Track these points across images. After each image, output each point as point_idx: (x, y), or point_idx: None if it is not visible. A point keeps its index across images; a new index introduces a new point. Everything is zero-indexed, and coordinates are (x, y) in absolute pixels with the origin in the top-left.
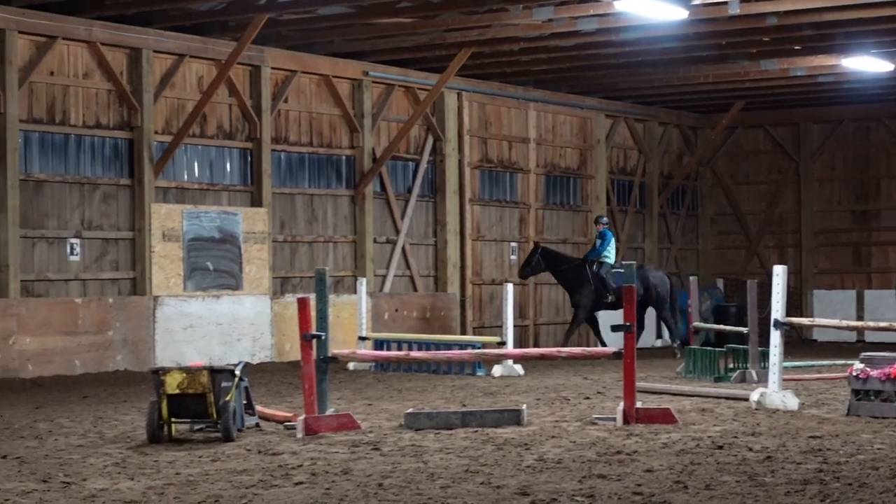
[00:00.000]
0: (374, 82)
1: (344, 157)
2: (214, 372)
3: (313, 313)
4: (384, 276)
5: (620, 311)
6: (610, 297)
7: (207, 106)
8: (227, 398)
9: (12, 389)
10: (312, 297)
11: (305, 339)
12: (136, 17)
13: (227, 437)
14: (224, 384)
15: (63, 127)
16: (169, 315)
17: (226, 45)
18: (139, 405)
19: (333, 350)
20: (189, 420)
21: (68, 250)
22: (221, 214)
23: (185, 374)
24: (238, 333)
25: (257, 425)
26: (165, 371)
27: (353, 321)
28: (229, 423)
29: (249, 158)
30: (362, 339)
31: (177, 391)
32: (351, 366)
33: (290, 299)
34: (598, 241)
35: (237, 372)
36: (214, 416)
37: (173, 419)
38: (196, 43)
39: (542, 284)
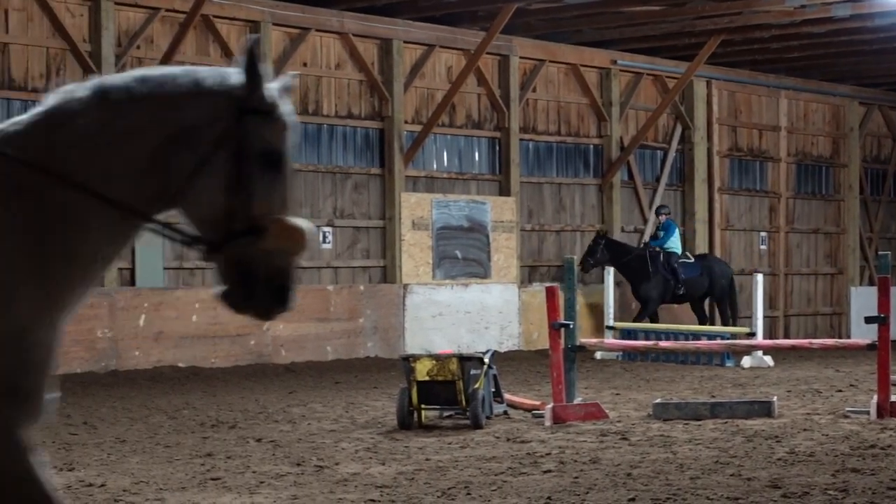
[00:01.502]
0: (621, 71)
1: (591, 146)
2: (463, 359)
3: (561, 302)
4: None
5: (685, 305)
6: (681, 289)
7: (456, 96)
8: (476, 386)
9: (266, 374)
10: (560, 286)
11: (553, 327)
12: (386, 8)
13: (476, 425)
14: (473, 372)
15: (316, 117)
16: (418, 303)
17: (474, 35)
18: (389, 391)
19: (581, 339)
20: (438, 407)
21: (321, 238)
22: (470, 203)
23: (434, 362)
24: (486, 322)
25: (505, 413)
26: (415, 358)
27: (600, 310)
28: (478, 410)
29: (498, 148)
30: (609, 328)
31: (426, 378)
32: (598, 355)
33: (538, 288)
34: (662, 233)
35: (486, 360)
36: (463, 403)
37: (423, 406)
38: (445, 33)
39: (793, 275)
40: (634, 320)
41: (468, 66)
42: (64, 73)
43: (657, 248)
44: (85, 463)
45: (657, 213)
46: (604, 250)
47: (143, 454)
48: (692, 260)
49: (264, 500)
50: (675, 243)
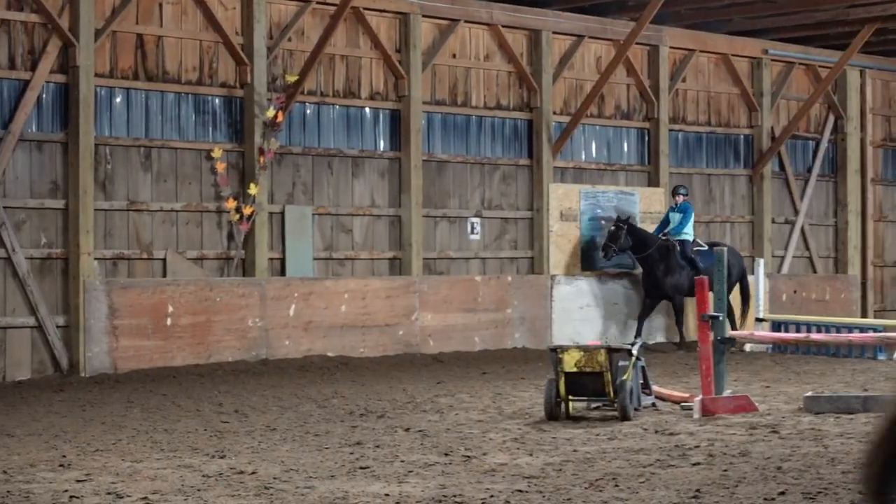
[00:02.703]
0: (773, 60)
1: (742, 137)
2: (612, 351)
3: (711, 294)
4: (782, 257)
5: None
6: None
7: (605, 86)
8: (624, 377)
9: (414, 364)
10: (708, 278)
11: (703, 319)
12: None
13: (624, 416)
14: (621, 363)
15: (464, 108)
16: (565, 294)
17: (624, 26)
18: (536, 382)
19: (730, 331)
20: (586, 398)
21: (469, 229)
22: (619, 194)
23: (582, 353)
24: (634, 313)
25: (654, 405)
26: (563, 349)
27: (750, 302)
28: (626, 401)
29: (647, 138)
30: (759, 320)
31: (574, 369)
32: (748, 347)
33: None
34: (679, 216)
35: (634, 351)
36: (611, 394)
37: (570, 397)
38: (594, 24)
39: None
40: (678, 322)
41: (617, 56)
42: (216, 66)
43: (674, 238)
44: (236, 451)
45: (674, 194)
46: (627, 236)
47: (293, 442)
48: (706, 247)
49: (412, 489)
50: (690, 230)
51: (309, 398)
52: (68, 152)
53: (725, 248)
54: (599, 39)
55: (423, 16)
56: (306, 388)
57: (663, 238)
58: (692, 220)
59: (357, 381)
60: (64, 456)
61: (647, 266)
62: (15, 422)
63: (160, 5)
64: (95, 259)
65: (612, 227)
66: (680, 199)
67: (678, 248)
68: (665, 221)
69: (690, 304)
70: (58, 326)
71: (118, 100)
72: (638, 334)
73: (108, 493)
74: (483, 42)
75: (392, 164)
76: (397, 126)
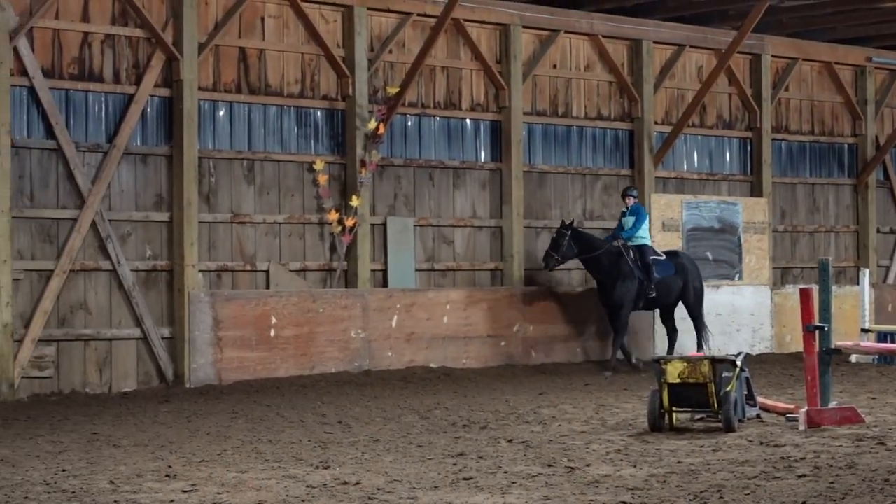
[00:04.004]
0: (877, 68)
1: (846, 146)
2: (715, 362)
3: (816, 304)
4: (888, 267)
5: (651, 312)
6: (651, 292)
7: (707, 95)
8: (728, 388)
9: (516, 375)
10: (815, 288)
11: (808, 330)
12: (635, 9)
13: (728, 428)
14: (725, 374)
15: (565, 119)
16: None
17: (725, 35)
18: (639, 394)
19: (836, 342)
20: (689, 409)
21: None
22: (721, 204)
23: (686, 364)
24: (737, 324)
25: (758, 416)
26: (667, 360)
27: (855, 312)
28: (730, 413)
29: (749, 148)
30: (865, 331)
31: (678, 380)
32: (853, 358)
33: (791, 290)
34: (632, 219)
35: (738, 362)
36: (715, 405)
37: (674, 408)
38: (696, 33)
39: None
40: (615, 338)
41: (719, 65)
42: (318, 79)
43: (626, 241)
44: (340, 461)
45: (623, 196)
46: (570, 243)
47: (396, 453)
48: (663, 257)
49: (516, 501)
50: (646, 233)
51: (411, 409)
52: (172, 165)
53: (682, 255)
54: (701, 49)
55: (524, 27)
56: (409, 399)
57: (615, 243)
58: (647, 222)
59: (459, 392)
60: (170, 466)
61: (597, 274)
62: (121, 432)
63: (262, 19)
64: (200, 271)
65: (555, 234)
66: (630, 200)
67: (631, 253)
68: (618, 228)
69: (641, 320)
70: (163, 338)
71: (221, 113)
72: (624, 355)
73: None
74: (583, 52)
75: (493, 175)
76: (498, 137)
